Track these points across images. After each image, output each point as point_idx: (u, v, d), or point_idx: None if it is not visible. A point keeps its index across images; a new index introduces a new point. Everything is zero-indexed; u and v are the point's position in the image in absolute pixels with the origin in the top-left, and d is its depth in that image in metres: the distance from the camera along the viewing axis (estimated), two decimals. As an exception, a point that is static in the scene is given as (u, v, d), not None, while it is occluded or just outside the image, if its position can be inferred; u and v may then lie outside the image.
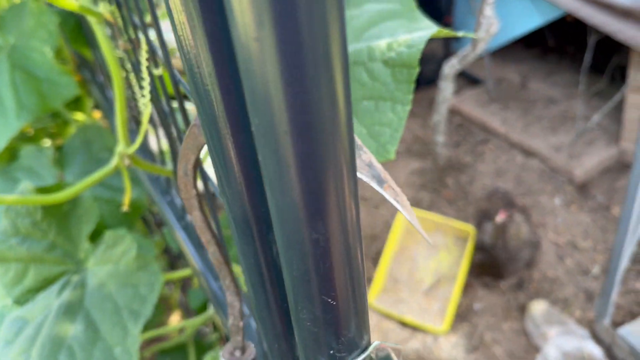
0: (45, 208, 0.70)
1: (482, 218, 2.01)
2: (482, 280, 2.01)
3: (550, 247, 2.10)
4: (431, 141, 2.63)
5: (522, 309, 1.88)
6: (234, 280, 0.45)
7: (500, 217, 1.86)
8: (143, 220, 1.25)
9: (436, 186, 2.47)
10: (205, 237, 0.43)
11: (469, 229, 2.07)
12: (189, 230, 0.77)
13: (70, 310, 0.66)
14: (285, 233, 0.25)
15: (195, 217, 0.42)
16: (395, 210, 2.23)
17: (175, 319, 1.59)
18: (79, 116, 1.28)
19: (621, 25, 2.05)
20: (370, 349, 0.31)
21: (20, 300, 0.74)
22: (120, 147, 0.62)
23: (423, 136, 2.74)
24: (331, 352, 0.30)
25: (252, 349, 0.49)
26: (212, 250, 0.43)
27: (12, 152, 1.12)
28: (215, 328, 1.01)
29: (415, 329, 1.89)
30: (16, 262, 0.73)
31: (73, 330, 0.65)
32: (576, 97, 2.66)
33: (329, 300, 0.27)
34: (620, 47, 2.44)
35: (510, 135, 2.57)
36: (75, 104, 1.34)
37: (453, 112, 2.81)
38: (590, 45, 2.31)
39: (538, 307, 1.81)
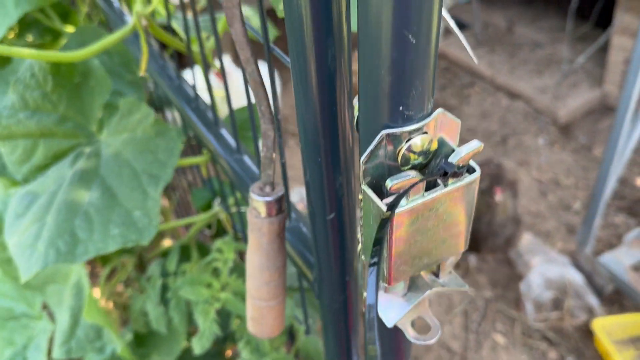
0: (56, 79, 0.69)
1: None
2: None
3: (533, 183, 2.14)
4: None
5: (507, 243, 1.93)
6: (269, 106, 0.45)
7: (498, 196, 1.79)
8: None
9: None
10: (244, 54, 0.42)
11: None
12: (199, 111, 0.76)
13: (85, 178, 0.65)
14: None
15: (235, 30, 0.41)
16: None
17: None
18: (70, 29, 1.24)
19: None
20: (435, 114, 0.32)
21: (29, 179, 0.73)
22: (138, 7, 0.60)
23: (409, 79, 2.73)
24: (401, 108, 0.30)
25: (281, 187, 0.50)
26: (250, 69, 0.43)
27: (4, 58, 1.08)
28: (218, 231, 1.01)
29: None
30: (24, 138, 0.71)
31: (89, 196, 0.64)
32: (562, 41, 2.68)
33: (409, 35, 0.27)
34: (607, -9, 2.45)
35: (496, 78, 2.58)
36: (65, 17, 1.30)
37: (440, 57, 2.80)
38: (578, -13, 2.32)
39: (522, 239, 1.86)
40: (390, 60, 0.28)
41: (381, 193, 0.33)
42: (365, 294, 0.40)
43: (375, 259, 0.28)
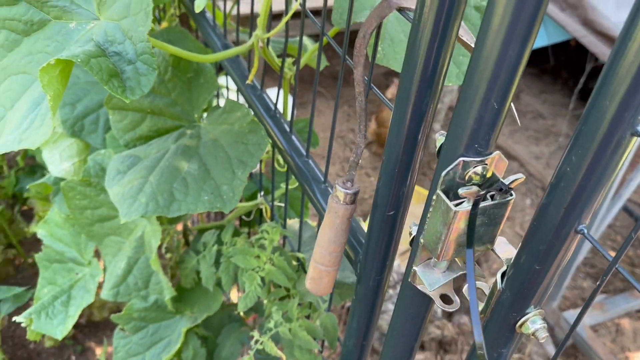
0: (174, 71, 0.86)
1: None
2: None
3: (515, 237, 2.34)
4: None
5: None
6: (366, 126, 0.62)
7: None
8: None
9: (424, 170, 2.68)
10: (358, 88, 0.60)
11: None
12: (275, 119, 0.93)
13: (187, 152, 0.82)
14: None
15: (357, 71, 0.59)
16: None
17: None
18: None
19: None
20: (494, 154, 0.50)
21: (129, 145, 0.89)
22: (259, 31, 0.78)
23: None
24: (476, 145, 0.48)
25: (357, 186, 0.67)
26: (360, 99, 0.61)
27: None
28: (254, 219, 1.18)
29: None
30: (134, 111, 0.88)
31: (187, 167, 0.81)
32: (562, 115, 2.92)
33: (494, 103, 0.45)
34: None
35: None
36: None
37: (449, 107, 3.02)
38: (587, 71, 2.56)
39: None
40: (477, 115, 0.46)
41: (448, 199, 0.51)
42: (420, 277, 0.57)
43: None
